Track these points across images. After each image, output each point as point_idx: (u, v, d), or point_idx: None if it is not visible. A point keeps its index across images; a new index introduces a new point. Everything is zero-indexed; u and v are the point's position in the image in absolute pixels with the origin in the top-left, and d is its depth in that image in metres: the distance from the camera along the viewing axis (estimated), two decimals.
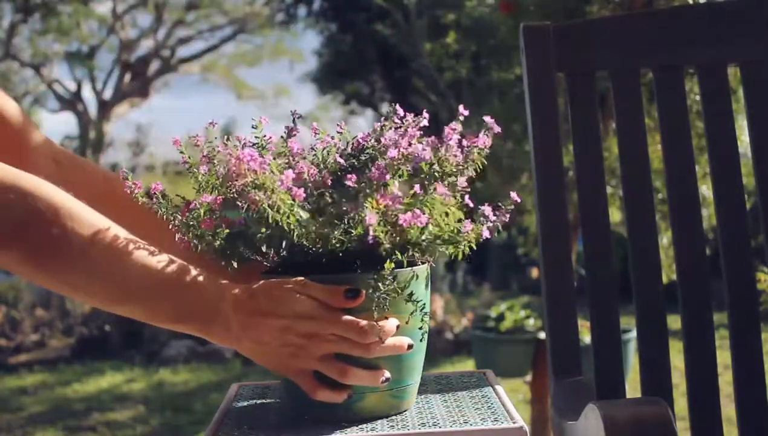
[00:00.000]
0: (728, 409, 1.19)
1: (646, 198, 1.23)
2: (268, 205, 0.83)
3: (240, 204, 0.88)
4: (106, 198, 0.95)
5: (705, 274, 1.21)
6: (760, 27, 1.26)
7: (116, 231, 0.86)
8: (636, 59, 1.26)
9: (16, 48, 10.91)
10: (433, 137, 0.91)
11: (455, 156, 0.90)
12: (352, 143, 0.94)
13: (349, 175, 0.86)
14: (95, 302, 0.89)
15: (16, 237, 0.82)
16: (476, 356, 4.40)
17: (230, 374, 4.88)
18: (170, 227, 0.90)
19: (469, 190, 0.90)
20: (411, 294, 0.87)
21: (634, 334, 3.15)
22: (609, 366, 1.19)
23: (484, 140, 0.91)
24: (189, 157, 0.92)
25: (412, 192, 0.87)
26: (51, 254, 0.83)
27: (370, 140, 0.93)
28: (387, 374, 0.88)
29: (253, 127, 0.94)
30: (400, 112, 0.93)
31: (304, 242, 0.86)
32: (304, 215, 0.85)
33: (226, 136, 0.93)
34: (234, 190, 0.87)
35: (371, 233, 0.83)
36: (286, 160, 0.92)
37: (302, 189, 0.84)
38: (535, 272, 6.62)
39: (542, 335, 3.72)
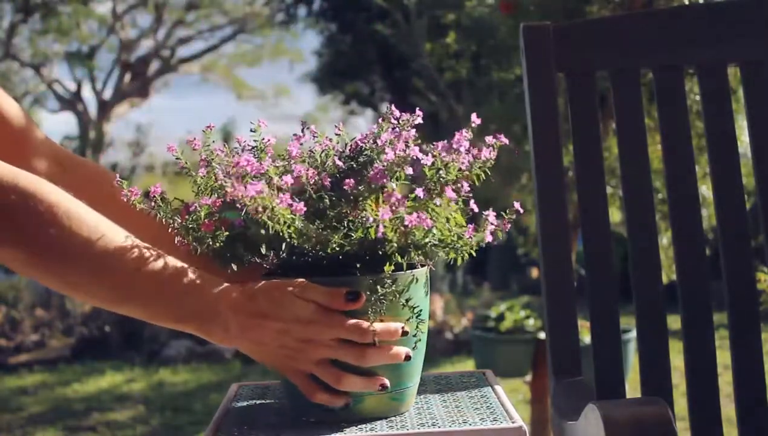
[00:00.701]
0: (728, 409, 1.19)
1: (646, 198, 1.23)
2: (268, 218, 0.83)
3: (239, 206, 0.88)
4: (107, 199, 0.95)
5: (705, 274, 1.21)
6: (760, 27, 1.26)
7: (116, 231, 0.86)
8: (636, 59, 1.26)
9: (16, 48, 10.92)
10: (444, 142, 0.90)
11: (462, 163, 0.90)
12: (350, 145, 0.94)
13: (347, 181, 0.86)
14: (96, 301, 0.89)
15: (16, 237, 0.82)
16: (476, 356, 4.40)
17: (230, 374, 4.88)
18: (170, 229, 0.90)
19: (470, 193, 0.91)
20: (408, 299, 0.87)
21: (634, 334, 3.15)
22: (609, 366, 1.19)
23: (489, 153, 0.91)
24: (186, 162, 0.92)
25: (413, 195, 0.87)
26: (50, 253, 0.83)
27: (368, 142, 0.93)
28: (384, 381, 0.88)
29: (251, 130, 0.94)
30: (396, 113, 0.93)
31: (305, 246, 0.86)
32: (303, 225, 0.85)
33: (225, 141, 0.93)
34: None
35: (381, 229, 0.83)
36: (285, 164, 0.92)
37: (302, 203, 0.84)
38: (535, 272, 6.63)
39: (542, 335, 3.72)
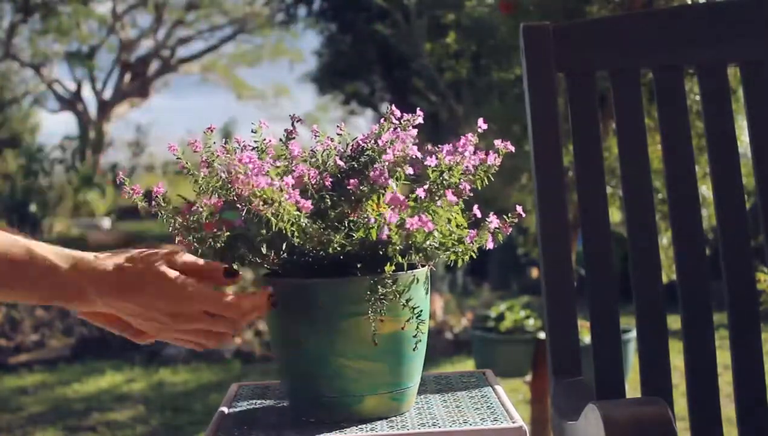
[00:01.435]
0: (728, 409, 1.19)
1: (646, 198, 1.23)
2: (272, 214, 0.83)
3: (240, 206, 0.88)
4: None
5: (705, 274, 1.21)
6: (760, 27, 1.26)
7: None
8: (636, 59, 1.26)
9: (16, 48, 10.92)
10: (449, 145, 0.90)
11: (466, 166, 0.90)
12: (352, 145, 0.94)
13: (351, 181, 0.86)
14: None
15: None
16: (476, 356, 4.40)
17: (230, 374, 4.88)
18: (170, 229, 0.91)
19: (472, 194, 0.91)
20: (409, 299, 0.87)
21: (634, 334, 3.15)
22: (609, 366, 1.19)
23: (494, 159, 0.91)
24: (187, 163, 0.92)
25: (414, 196, 0.87)
26: None
27: (370, 142, 0.93)
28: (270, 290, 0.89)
29: (252, 131, 0.94)
30: (397, 113, 0.93)
31: (306, 246, 0.86)
32: (307, 223, 0.85)
33: (224, 141, 0.93)
34: (235, 193, 0.87)
35: (386, 231, 0.83)
36: (286, 164, 0.92)
37: (309, 201, 0.84)
38: (535, 272, 6.62)
39: (542, 335, 3.72)
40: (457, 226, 0.88)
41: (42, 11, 10.28)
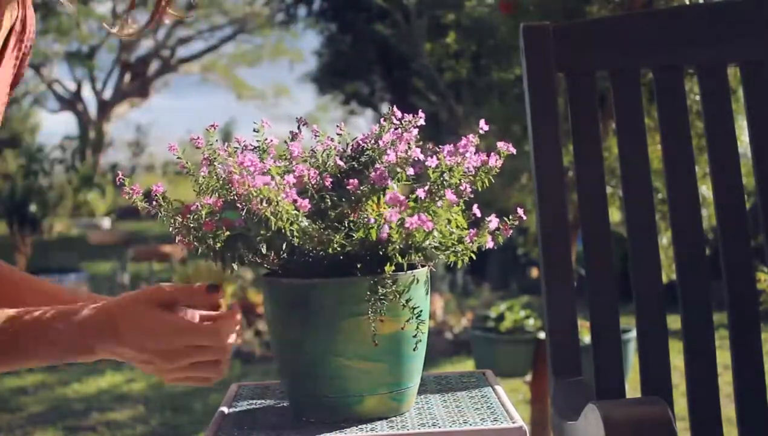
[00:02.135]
0: (728, 409, 1.19)
1: (646, 198, 1.23)
2: (271, 214, 0.83)
3: (240, 206, 0.88)
4: None
5: (705, 274, 1.21)
6: (760, 27, 1.26)
7: None
8: (636, 59, 1.26)
9: None
10: (450, 146, 0.90)
11: (467, 167, 0.90)
12: (352, 145, 0.94)
13: (351, 181, 0.86)
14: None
15: None
16: (476, 357, 4.40)
17: (230, 374, 4.88)
18: (170, 228, 0.91)
19: (472, 195, 0.91)
20: (409, 300, 0.87)
21: (634, 334, 3.15)
22: (609, 366, 1.19)
23: (495, 160, 0.91)
24: (187, 162, 0.92)
25: (414, 196, 0.87)
26: None
27: (370, 142, 0.93)
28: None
29: (254, 130, 0.94)
30: (398, 113, 0.93)
31: (306, 246, 0.86)
32: (307, 223, 0.85)
33: (225, 140, 0.93)
34: (235, 193, 0.87)
35: (386, 230, 0.83)
36: (287, 164, 0.92)
37: (307, 200, 0.84)
38: (535, 272, 6.62)
39: (542, 335, 3.72)
40: (457, 226, 0.88)
41: (42, 11, 10.27)
